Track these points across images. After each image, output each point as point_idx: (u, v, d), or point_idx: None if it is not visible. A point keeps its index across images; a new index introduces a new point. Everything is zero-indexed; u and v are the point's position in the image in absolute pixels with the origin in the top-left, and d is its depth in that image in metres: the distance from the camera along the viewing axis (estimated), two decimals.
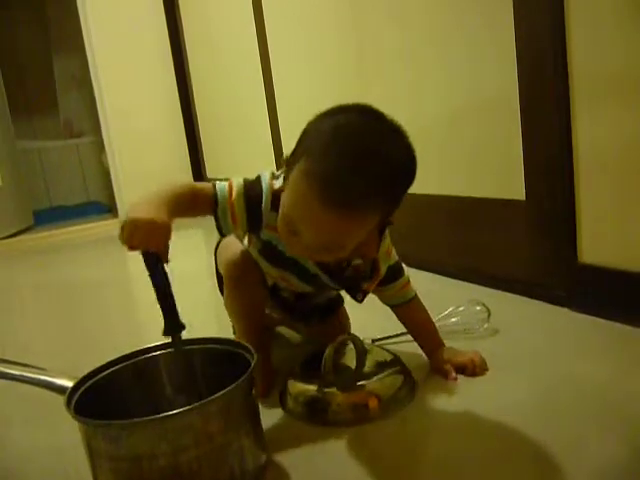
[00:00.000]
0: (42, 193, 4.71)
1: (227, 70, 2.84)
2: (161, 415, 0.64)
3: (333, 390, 0.86)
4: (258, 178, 0.84)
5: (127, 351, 0.81)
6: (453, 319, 1.11)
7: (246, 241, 0.97)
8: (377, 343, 1.10)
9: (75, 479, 0.79)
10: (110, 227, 3.57)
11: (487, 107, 1.24)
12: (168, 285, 0.73)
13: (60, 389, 0.73)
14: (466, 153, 1.32)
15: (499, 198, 1.23)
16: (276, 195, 0.81)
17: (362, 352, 0.90)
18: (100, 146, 3.89)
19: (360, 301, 0.91)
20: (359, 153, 0.71)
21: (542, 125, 1.08)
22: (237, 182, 0.83)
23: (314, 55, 1.92)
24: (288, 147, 2.18)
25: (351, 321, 1.19)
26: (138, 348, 0.82)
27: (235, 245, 0.96)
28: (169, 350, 0.80)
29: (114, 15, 3.41)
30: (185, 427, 0.64)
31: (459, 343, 1.03)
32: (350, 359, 0.90)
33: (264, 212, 0.82)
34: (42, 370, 0.77)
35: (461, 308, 1.11)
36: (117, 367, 0.79)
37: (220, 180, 0.83)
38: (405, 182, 0.77)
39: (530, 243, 1.17)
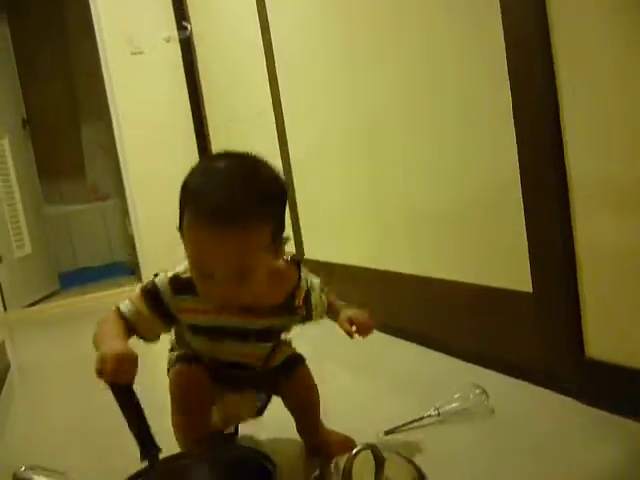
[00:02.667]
0: (68, 255, 4.84)
1: (247, 140, 2.93)
2: None
3: None
4: (152, 279, 0.92)
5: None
6: (454, 404, 1.13)
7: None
8: (389, 435, 1.11)
9: None
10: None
11: (494, 201, 1.28)
12: (140, 410, 0.77)
13: None
14: (477, 242, 1.36)
15: (508, 289, 1.25)
16: (176, 281, 0.90)
17: (380, 462, 0.91)
18: (124, 209, 4.01)
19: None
20: (228, 175, 0.84)
21: (544, 222, 1.11)
22: (135, 293, 0.92)
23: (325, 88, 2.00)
24: (305, 209, 2.18)
25: (356, 413, 1.21)
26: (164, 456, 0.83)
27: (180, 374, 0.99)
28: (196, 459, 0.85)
29: (139, 87, 3.56)
30: None
31: (458, 425, 1.08)
32: (369, 468, 0.90)
33: (167, 300, 0.90)
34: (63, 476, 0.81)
35: (458, 395, 1.14)
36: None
37: None
38: (276, 198, 0.88)
39: (538, 333, 1.17)
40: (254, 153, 0.89)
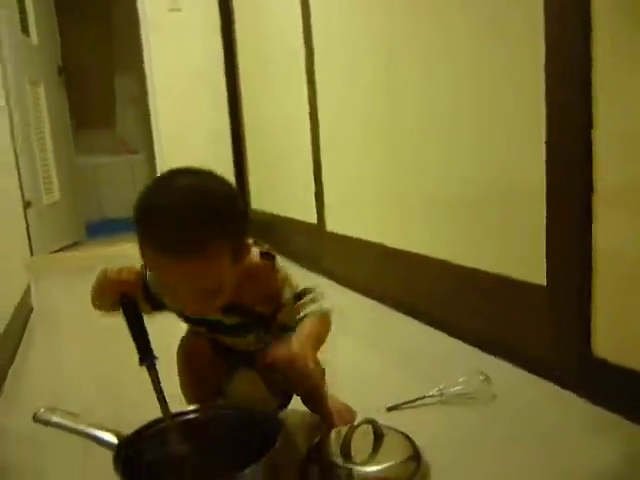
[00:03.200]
0: (95, 205, 4.92)
1: (277, 103, 2.93)
2: None
3: (349, 471, 0.88)
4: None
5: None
6: (457, 387, 1.16)
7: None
8: (391, 411, 1.14)
9: None
10: None
11: (517, 193, 1.27)
12: (142, 325, 0.86)
13: (107, 444, 0.82)
14: (496, 231, 1.36)
15: (522, 280, 1.26)
16: None
17: (380, 436, 0.95)
18: (153, 164, 4.05)
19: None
20: (179, 198, 0.78)
21: (565, 219, 1.10)
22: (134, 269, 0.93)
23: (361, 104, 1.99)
24: (329, 181, 2.20)
25: (362, 387, 1.24)
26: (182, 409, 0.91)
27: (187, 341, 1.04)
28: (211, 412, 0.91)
29: (173, 39, 3.57)
30: None
31: (458, 408, 1.11)
32: (367, 441, 0.93)
33: (150, 282, 0.92)
34: (92, 424, 0.86)
35: (461, 379, 1.17)
36: (161, 425, 0.86)
37: None
38: (231, 217, 0.82)
39: (548, 327, 1.18)
40: (209, 170, 0.84)
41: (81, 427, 0.86)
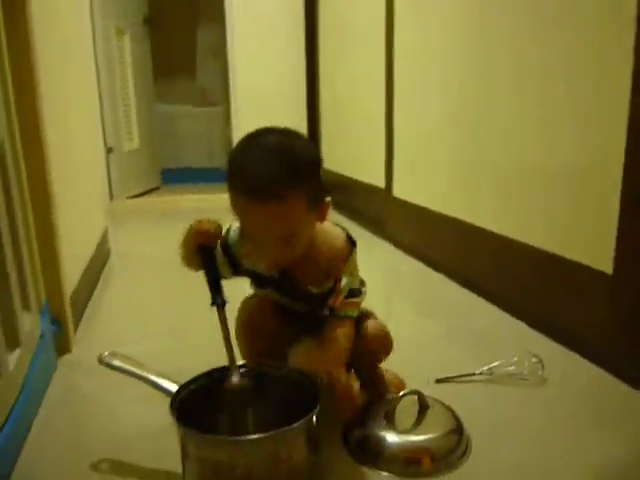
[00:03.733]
0: (172, 153, 5.08)
1: (354, 65, 2.90)
2: (243, 438, 0.79)
3: (391, 439, 0.92)
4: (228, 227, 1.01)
5: None
6: (515, 367, 1.16)
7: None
8: (440, 383, 1.16)
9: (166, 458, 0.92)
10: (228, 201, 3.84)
11: (591, 172, 1.22)
12: (216, 268, 0.94)
13: (164, 390, 0.90)
14: (565, 213, 1.32)
15: (588, 265, 1.22)
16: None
17: (424, 408, 0.97)
18: (229, 117, 4.12)
19: (328, 315, 1.01)
20: (264, 149, 0.87)
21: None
22: None
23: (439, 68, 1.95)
24: (400, 146, 2.18)
25: (414, 356, 1.25)
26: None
27: (250, 299, 1.09)
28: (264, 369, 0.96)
29: None
30: (261, 449, 0.78)
31: (507, 388, 1.11)
32: (412, 412, 0.96)
33: (231, 243, 0.99)
34: (151, 370, 0.94)
35: (515, 359, 1.17)
36: (214, 376, 0.92)
37: None
38: (310, 171, 0.90)
39: (608, 316, 1.16)
40: (293, 129, 0.92)
41: (140, 372, 0.94)
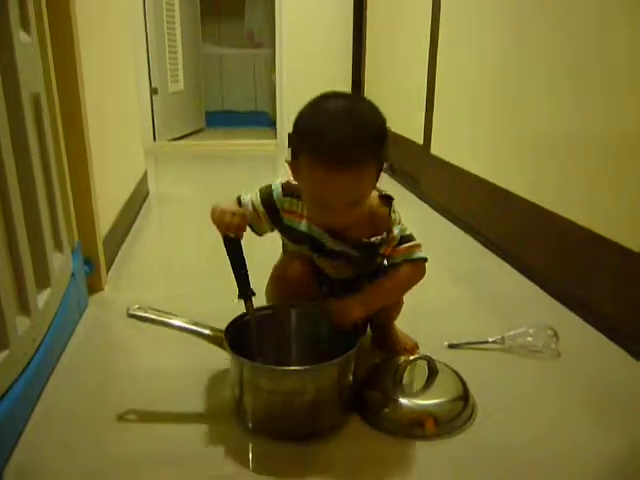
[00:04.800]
0: (217, 96, 5.07)
1: (401, 21, 2.80)
2: (313, 366, 0.87)
3: (398, 401, 0.94)
4: (270, 183, 1.04)
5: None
6: (529, 338, 1.16)
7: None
8: (452, 349, 1.17)
9: (196, 398, 0.99)
10: (271, 148, 3.88)
11: (622, 143, 1.17)
12: (243, 260, 0.94)
13: (209, 337, 0.94)
14: (601, 187, 1.27)
15: (619, 243, 1.18)
16: (287, 185, 1.01)
17: (433, 373, 0.99)
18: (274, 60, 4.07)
19: (381, 262, 1.06)
20: (344, 117, 0.88)
21: None
22: (254, 190, 1.04)
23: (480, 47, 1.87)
24: (440, 105, 2.12)
25: (432, 319, 1.27)
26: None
27: (285, 257, 1.12)
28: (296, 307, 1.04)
29: None
30: (327, 375, 0.88)
31: (519, 358, 1.13)
32: (421, 375, 0.98)
33: (276, 199, 1.01)
34: (182, 319, 0.97)
35: (533, 329, 1.16)
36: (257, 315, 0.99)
37: None
38: (382, 139, 0.92)
39: (630, 293, 1.13)
40: (362, 96, 0.92)
41: (168, 320, 0.97)
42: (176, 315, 0.98)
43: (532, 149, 1.58)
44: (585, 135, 1.33)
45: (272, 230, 1.06)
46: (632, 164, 1.15)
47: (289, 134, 0.98)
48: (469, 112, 2.00)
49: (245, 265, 0.95)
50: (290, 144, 0.95)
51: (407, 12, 2.67)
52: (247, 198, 1.03)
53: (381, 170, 0.94)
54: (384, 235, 1.01)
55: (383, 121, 0.92)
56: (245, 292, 0.95)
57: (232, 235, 0.94)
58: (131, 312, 0.97)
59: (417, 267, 1.04)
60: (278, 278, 1.09)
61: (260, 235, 1.06)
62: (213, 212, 0.96)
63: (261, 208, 1.02)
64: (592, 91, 1.29)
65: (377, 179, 0.95)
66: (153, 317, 0.97)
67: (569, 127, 1.40)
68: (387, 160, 0.96)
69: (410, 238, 1.04)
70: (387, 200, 1.03)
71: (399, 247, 1.03)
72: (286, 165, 0.97)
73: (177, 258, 1.81)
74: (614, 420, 0.96)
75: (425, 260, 1.05)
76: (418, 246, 1.05)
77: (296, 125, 0.92)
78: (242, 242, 0.96)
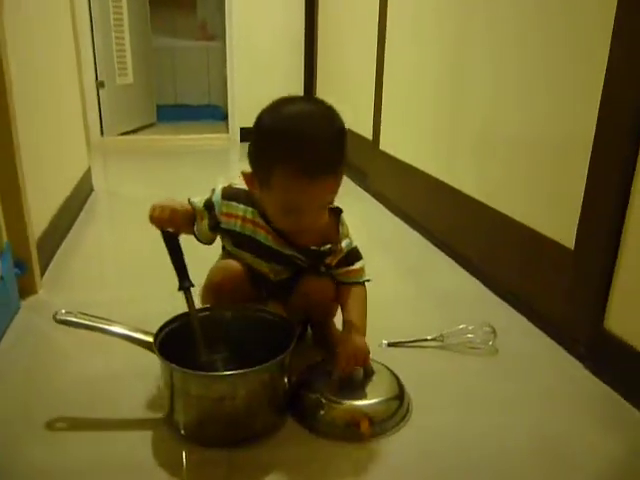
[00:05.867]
0: (169, 89, 4.97)
1: (350, 14, 2.79)
2: (242, 371, 0.84)
3: (333, 402, 0.92)
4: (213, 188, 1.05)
5: None
6: (469, 335, 1.17)
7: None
8: (391, 347, 1.17)
9: (129, 405, 0.95)
10: (223, 142, 3.83)
11: (563, 144, 1.19)
12: (181, 254, 0.96)
13: (140, 342, 0.92)
14: (537, 185, 1.29)
15: (554, 239, 1.20)
16: (227, 190, 1.03)
17: (369, 374, 0.99)
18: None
19: (323, 272, 1.06)
20: (318, 125, 0.88)
21: (603, 190, 1.02)
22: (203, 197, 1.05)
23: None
24: (389, 102, 2.11)
25: (372, 322, 1.26)
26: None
27: (219, 264, 1.10)
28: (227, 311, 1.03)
29: None
30: (257, 379, 0.86)
31: (458, 355, 1.13)
32: (357, 376, 0.97)
33: (215, 202, 1.02)
34: (124, 325, 0.94)
35: (472, 327, 1.17)
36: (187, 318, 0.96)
37: None
38: (345, 139, 0.92)
39: (567, 292, 1.15)
40: (320, 99, 0.94)
41: (96, 325, 0.94)
42: (108, 319, 0.94)
43: (473, 146, 1.60)
44: (525, 135, 1.34)
45: (214, 233, 1.06)
46: (568, 164, 1.17)
47: (249, 145, 0.95)
48: (414, 109, 2.01)
49: (183, 258, 0.95)
50: (252, 156, 0.93)
51: (357, 7, 2.66)
52: (197, 200, 1.04)
53: (340, 214, 0.99)
54: (333, 245, 1.02)
55: (344, 123, 0.93)
56: (183, 284, 0.94)
57: (168, 229, 0.96)
58: (58, 317, 0.93)
59: (365, 289, 1.08)
60: (212, 288, 1.07)
61: (203, 242, 1.07)
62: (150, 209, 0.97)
63: (201, 207, 1.03)
64: (533, 91, 1.30)
65: (336, 223, 1.00)
66: (81, 322, 0.93)
67: (509, 126, 1.42)
68: None
69: (357, 254, 1.06)
70: (336, 212, 1.03)
71: (352, 268, 1.05)
72: (241, 176, 0.96)
73: (120, 258, 1.76)
74: (551, 414, 0.98)
75: (360, 283, 1.07)
76: (363, 268, 1.07)
77: (261, 137, 0.91)
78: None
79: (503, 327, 1.19)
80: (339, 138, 0.89)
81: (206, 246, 1.09)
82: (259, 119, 0.90)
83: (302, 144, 0.86)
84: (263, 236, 1.02)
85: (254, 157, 0.93)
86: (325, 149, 0.87)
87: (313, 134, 0.87)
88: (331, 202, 0.95)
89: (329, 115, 0.91)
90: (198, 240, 1.06)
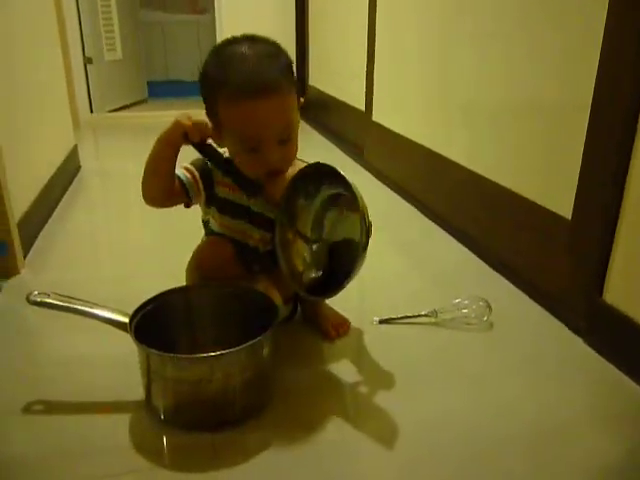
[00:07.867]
0: (160, 65, 4.88)
1: None
2: (218, 352, 0.80)
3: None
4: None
5: None
6: (464, 310, 1.13)
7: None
8: (383, 324, 1.13)
9: (108, 388, 0.92)
10: None
11: (558, 108, 1.14)
12: (221, 156, 0.95)
13: (117, 323, 0.88)
14: (533, 155, 1.24)
15: (550, 210, 1.16)
16: (197, 162, 1.00)
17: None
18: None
19: None
20: (255, 52, 0.89)
21: (602, 159, 0.98)
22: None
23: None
24: (381, 71, 2.06)
25: (365, 298, 1.24)
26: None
27: (205, 244, 1.07)
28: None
29: None
30: (235, 361, 0.82)
31: (451, 331, 1.10)
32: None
33: (212, 168, 1.00)
34: (101, 307, 0.90)
35: (467, 301, 1.13)
36: (166, 298, 0.94)
37: None
38: (291, 71, 0.94)
39: (565, 263, 1.11)
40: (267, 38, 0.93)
41: (72, 306, 0.90)
42: (85, 300, 0.90)
43: (463, 115, 1.55)
44: (515, 102, 1.29)
45: (207, 205, 1.03)
46: (561, 131, 1.12)
47: (200, 88, 0.94)
48: (405, 79, 1.95)
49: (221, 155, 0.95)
50: (203, 96, 0.94)
51: None
52: (180, 171, 1.00)
53: (299, 104, 0.95)
54: None
55: (288, 57, 0.94)
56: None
57: (198, 140, 0.91)
58: (32, 299, 0.89)
59: None
60: (198, 266, 1.03)
61: (190, 204, 1.02)
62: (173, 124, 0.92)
63: (196, 172, 1.00)
64: (519, 58, 1.25)
65: (298, 112, 0.95)
66: (56, 302, 0.89)
67: (499, 94, 1.36)
68: (302, 96, 0.97)
69: None
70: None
71: None
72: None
73: (106, 237, 1.72)
74: (547, 389, 0.94)
75: None
76: None
77: (204, 73, 0.92)
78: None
79: (500, 301, 1.15)
80: (277, 62, 0.90)
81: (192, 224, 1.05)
82: (205, 60, 0.92)
83: (234, 65, 0.88)
84: (250, 200, 1.00)
85: (204, 102, 0.93)
86: (259, 67, 0.87)
87: (244, 53, 0.88)
88: (289, 136, 0.92)
89: (267, 46, 0.91)
90: (187, 197, 1.00)
